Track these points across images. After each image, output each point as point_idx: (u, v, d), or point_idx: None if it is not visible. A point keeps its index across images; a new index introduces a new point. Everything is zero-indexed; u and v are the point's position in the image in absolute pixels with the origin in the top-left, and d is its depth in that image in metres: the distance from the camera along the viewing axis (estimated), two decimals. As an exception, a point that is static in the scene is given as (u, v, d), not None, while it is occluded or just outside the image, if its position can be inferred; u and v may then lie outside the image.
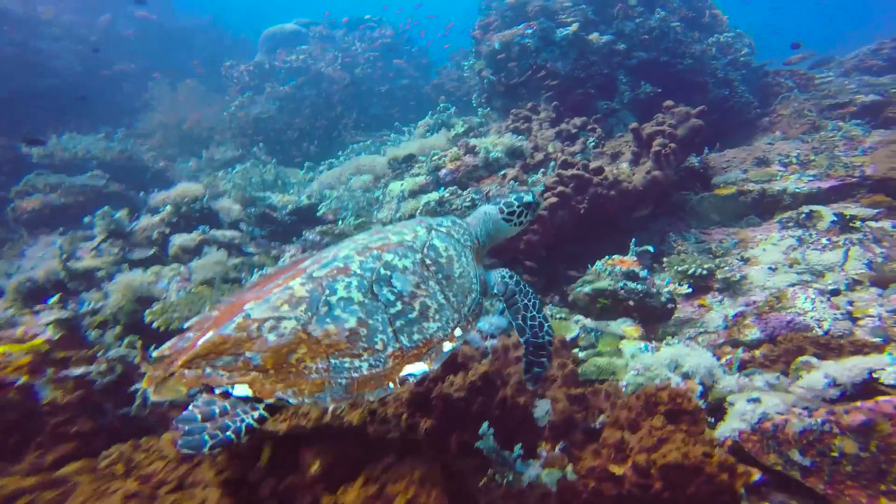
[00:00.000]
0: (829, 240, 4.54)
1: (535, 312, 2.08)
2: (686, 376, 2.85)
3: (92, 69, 14.22)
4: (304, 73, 13.96)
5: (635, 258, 4.64)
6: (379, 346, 1.63)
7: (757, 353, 3.23)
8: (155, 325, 3.33)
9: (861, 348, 2.75)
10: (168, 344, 1.70)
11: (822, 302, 3.45)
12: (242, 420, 1.43)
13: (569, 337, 3.69)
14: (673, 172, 5.84)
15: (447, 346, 1.74)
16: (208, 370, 1.51)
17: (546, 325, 2.08)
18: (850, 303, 3.55)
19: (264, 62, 14.33)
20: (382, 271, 1.78)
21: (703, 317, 4.45)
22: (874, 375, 2.15)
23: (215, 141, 13.38)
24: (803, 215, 5.06)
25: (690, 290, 4.34)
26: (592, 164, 5.74)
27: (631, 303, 4.20)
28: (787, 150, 6.19)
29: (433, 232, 2.02)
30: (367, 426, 2.12)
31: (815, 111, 8.11)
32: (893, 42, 10.97)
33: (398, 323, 1.69)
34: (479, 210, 2.41)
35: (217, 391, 1.49)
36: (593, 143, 6.71)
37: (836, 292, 3.53)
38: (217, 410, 1.44)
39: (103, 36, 15.89)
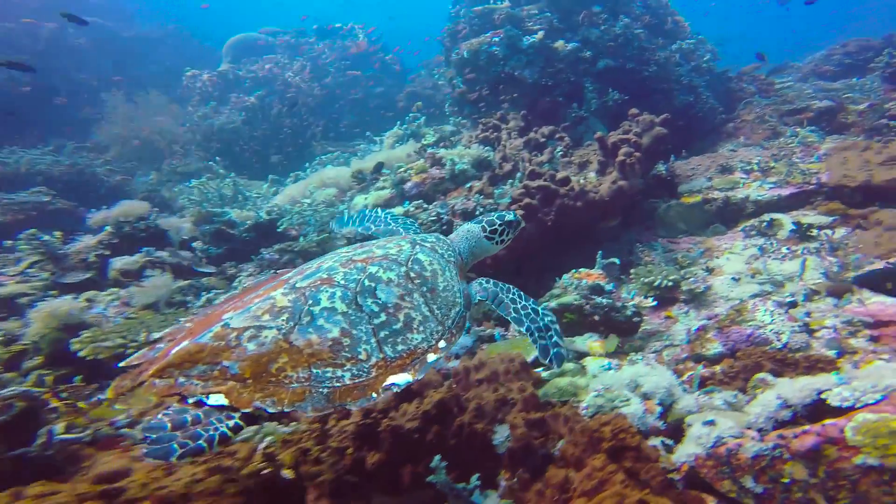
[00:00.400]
0: (788, 249, 4.65)
1: (524, 302, 2.15)
2: (646, 397, 2.83)
3: (39, 81, 13.56)
4: (271, 82, 13.74)
5: (602, 271, 4.66)
6: (362, 357, 1.63)
7: (718, 368, 3.25)
8: (82, 353, 3.13)
9: (815, 364, 2.79)
10: (137, 354, 1.67)
11: (780, 314, 3.51)
12: (216, 429, 1.39)
13: (531, 357, 3.64)
14: (639, 181, 5.92)
15: (431, 357, 1.76)
16: (182, 379, 1.47)
17: (539, 308, 2.16)
18: (808, 314, 3.63)
19: (228, 72, 14.05)
20: (367, 283, 1.80)
21: (669, 329, 4.48)
22: (822, 396, 2.17)
23: (178, 153, 13.02)
24: (765, 224, 5.18)
25: (655, 302, 4.37)
26: (559, 175, 5.76)
27: (596, 318, 4.20)
28: (749, 156, 6.35)
29: (417, 246, 2.08)
30: (298, 466, 2.01)
31: (775, 117, 8.39)
32: (843, 48, 11.50)
33: (382, 334, 1.70)
34: (461, 228, 2.48)
35: (190, 401, 1.44)
36: (561, 153, 6.76)
37: (793, 304, 3.60)
38: (189, 419, 1.40)
39: (49, 45, 15.26)
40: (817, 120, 7.83)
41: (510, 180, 6.33)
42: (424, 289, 1.89)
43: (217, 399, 1.43)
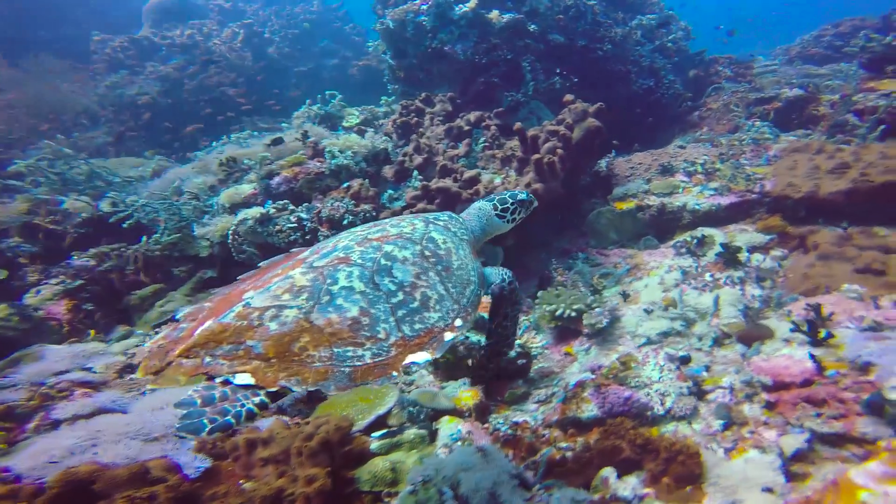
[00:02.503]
0: (712, 276, 4.17)
1: (508, 323, 2.46)
2: (463, 501, 2.32)
3: None
4: (190, 50, 12.72)
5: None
6: (382, 335, 1.70)
7: (579, 442, 2.77)
8: None
9: (676, 455, 2.30)
10: (162, 333, 1.76)
11: (670, 371, 3.02)
12: (243, 405, 1.46)
13: (367, 420, 3.11)
14: (561, 184, 5.35)
15: (448, 336, 1.81)
16: (207, 359, 1.55)
17: (512, 338, 2.59)
18: (707, 367, 3.15)
19: (143, 38, 12.96)
20: (383, 261, 1.87)
21: (564, 370, 4.00)
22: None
23: (83, 125, 12.10)
24: (695, 240, 4.69)
25: (544, 342, 3.86)
26: (467, 174, 5.17)
27: (470, 362, 3.68)
28: (695, 155, 5.83)
29: (431, 225, 2.17)
30: None
31: (741, 106, 7.87)
32: (835, 28, 10.97)
33: (400, 312, 1.77)
34: (472, 206, 2.63)
35: (217, 380, 1.52)
36: (484, 144, 6.14)
37: (685, 360, 3.11)
38: (217, 396, 1.48)
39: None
40: (786, 111, 7.33)
41: (419, 177, 5.72)
42: (439, 267, 1.97)
43: (243, 378, 1.51)
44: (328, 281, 1.76)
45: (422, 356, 1.72)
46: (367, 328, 1.69)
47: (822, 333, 2.98)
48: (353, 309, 1.71)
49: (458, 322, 1.88)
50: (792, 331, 3.09)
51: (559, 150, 5.33)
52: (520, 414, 3.61)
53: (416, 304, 1.81)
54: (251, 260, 4.30)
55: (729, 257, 4.11)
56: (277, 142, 5.65)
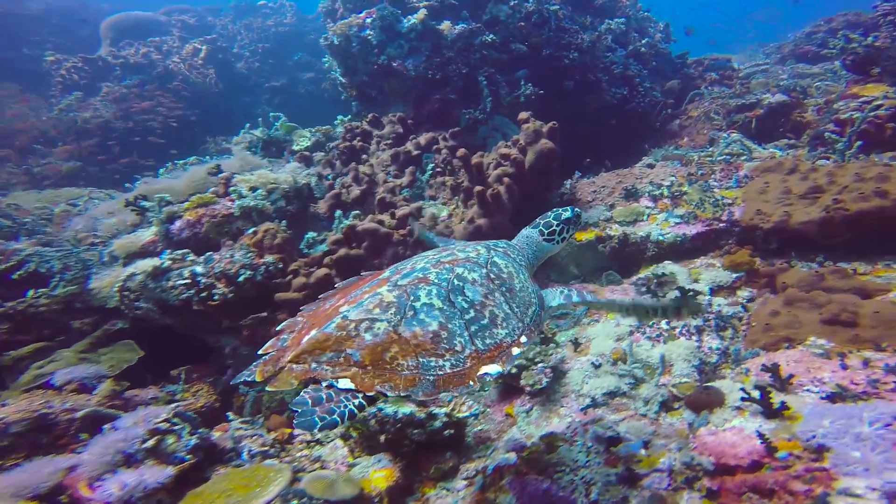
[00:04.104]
0: (668, 322, 3.85)
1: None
2: None
3: None
4: (148, 69, 12.59)
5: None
6: (458, 348, 1.94)
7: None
8: None
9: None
10: (269, 343, 2.07)
11: (598, 452, 2.69)
12: (346, 406, 1.71)
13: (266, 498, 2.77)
14: (511, 215, 5.05)
15: (515, 351, 2.05)
16: (314, 365, 1.82)
17: None
18: (646, 443, 2.82)
19: (98, 58, 12.85)
20: (456, 282, 2.12)
21: (501, 437, 3.67)
22: None
23: (38, 151, 11.98)
24: (655, 280, 4.38)
25: (472, 412, 3.53)
26: (400, 211, 4.88)
27: (382, 438, 3.35)
28: (662, 176, 5.53)
29: (492, 251, 2.42)
30: None
31: (721, 114, 7.60)
32: (827, 24, 10.74)
33: (473, 328, 2.00)
34: (521, 234, 2.83)
35: (324, 384, 1.77)
36: (429, 173, 5.86)
37: (614, 441, 2.77)
38: (324, 396, 1.73)
39: None
40: (769, 119, 7.05)
41: (355, 212, 5.43)
42: (504, 288, 2.22)
43: (345, 383, 1.76)
44: (411, 298, 2.02)
45: (493, 368, 1.95)
46: (445, 341, 1.93)
47: (777, 403, 2.65)
48: (434, 323, 1.96)
49: (524, 339, 2.12)
50: (743, 399, 2.75)
51: (506, 179, 5.05)
52: (444, 495, 3.29)
53: (485, 320, 2.06)
54: (149, 316, 4.01)
55: (686, 301, 3.78)
56: (137, 201, 5.20)
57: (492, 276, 2.24)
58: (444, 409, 3.51)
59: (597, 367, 3.75)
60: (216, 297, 3.72)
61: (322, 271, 4.02)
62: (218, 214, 4.31)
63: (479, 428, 3.82)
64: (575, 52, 7.78)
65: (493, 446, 3.56)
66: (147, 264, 3.88)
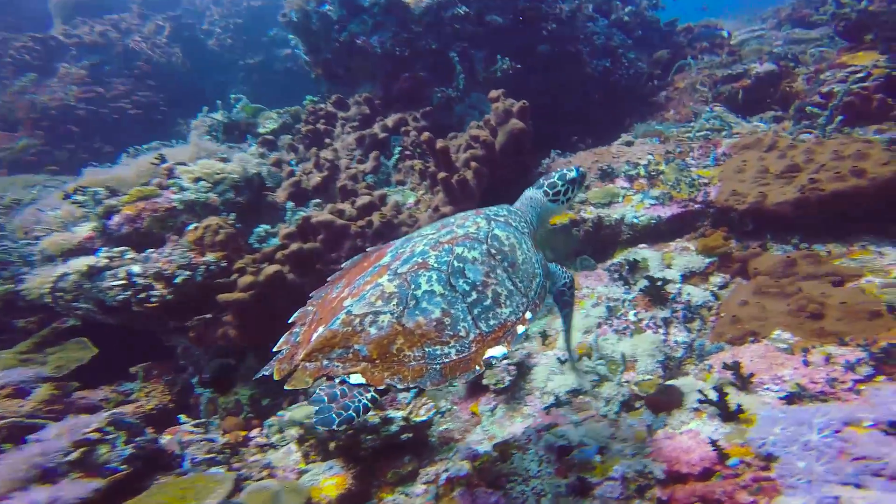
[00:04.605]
0: (636, 314, 3.76)
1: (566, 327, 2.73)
2: None
3: None
4: (107, 49, 12.17)
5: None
6: (462, 333, 1.99)
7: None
8: None
9: None
10: (282, 339, 2.16)
11: (549, 462, 2.62)
12: (359, 401, 1.80)
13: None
14: (475, 203, 4.91)
15: (520, 329, 2.11)
16: (325, 362, 1.90)
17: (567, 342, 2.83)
18: (601, 449, 2.76)
19: (50, 37, 12.39)
20: (456, 264, 2.14)
21: (464, 437, 3.62)
22: None
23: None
24: (627, 266, 4.28)
25: (427, 416, 3.46)
26: (360, 200, 4.73)
27: (332, 445, 3.29)
28: (639, 155, 5.37)
29: (493, 222, 2.37)
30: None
31: (708, 84, 7.39)
32: (824, -14, 10.38)
33: (476, 311, 2.05)
34: (525, 195, 2.80)
35: (336, 381, 1.86)
36: (396, 157, 5.69)
37: (565, 450, 2.70)
38: (338, 393, 1.83)
39: None
40: (756, 89, 6.85)
41: (315, 200, 5.29)
42: (506, 263, 2.21)
43: (356, 378, 1.85)
44: (412, 286, 2.03)
45: (499, 350, 2.00)
46: (449, 327, 1.97)
47: (733, 406, 2.58)
48: (437, 311, 1.99)
49: (528, 315, 2.16)
50: (700, 401, 2.69)
51: (473, 164, 4.89)
52: (402, 501, 3.24)
53: (488, 301, 2.08)
54: (91, 316, 3.89)
55: (654, 293, 3.70)
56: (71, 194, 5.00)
57: (493, 251, 2.23)
58: (401, 413, 3.44)
59: (562, 362, 3.68)
60: (153, 300, 3.61)
61: (272, 268, 3.88)
62: (160, 208, 4.14)
63: (445, 427, 3.76)
64: (553, 23, 7.51)
65: (456, 448, 3.51)
66: (81, 263, 3.73)
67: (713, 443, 2.41)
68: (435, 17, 6.77)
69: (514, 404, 3.64)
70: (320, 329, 1.99)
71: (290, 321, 2.27)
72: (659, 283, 3.71)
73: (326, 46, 7.14)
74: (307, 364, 1.90)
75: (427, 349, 1.92)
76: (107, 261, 3.78)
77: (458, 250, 2.18)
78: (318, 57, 7.42)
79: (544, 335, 4.08)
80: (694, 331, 3.46)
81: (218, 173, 4.31)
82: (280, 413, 3.81)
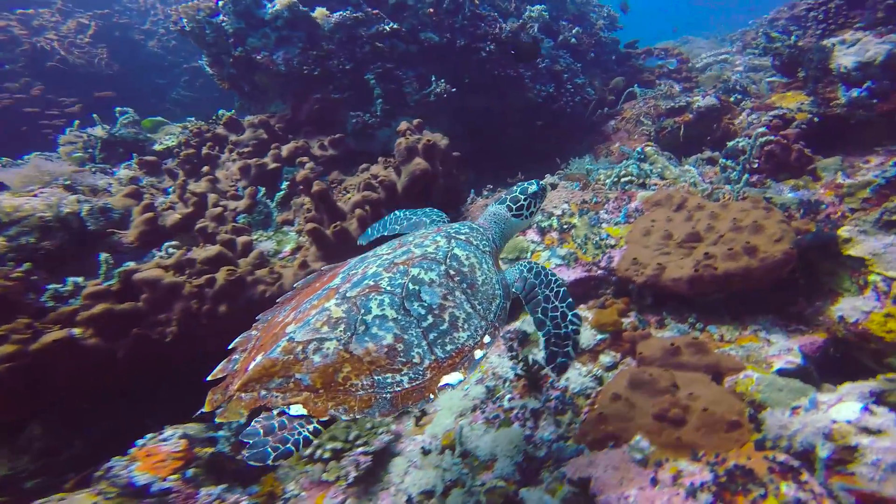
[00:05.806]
0: (510, 400, 3.65)
1: (556, 303, 2.55)
2: None
3: None
4: (9, 46, 11.77)
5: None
6: (416, 360, 2.04)
7: None
8: None
9: None
10: (220, 367, 2.17)
11: None
12: (300, 433, 1.80)
13: None
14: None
15: (478, 354, 2.17)
16: (263, 392, 1.91)
17: (570, 314, 2.53)
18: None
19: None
20: (411, 286, 2.20)
21: (304, 542, 3.44)
22: None
23: None
24: (517, 337, 4.18)
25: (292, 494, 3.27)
26: (207, 253, 4.45)
27: None
28: (556, 203, 5.31)
29: (453, 240, 2.51)
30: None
31: (651, 117, 7.45)
32: (790, 10, 10.69)
33: (431, 336, 2.11)
34: (488, 211, 2.96)
35: (275, 412, 1.86)
36: (282, 192, 5.50)
37: None
38: (276, 425, 1.81)
39: None
40: (698, 124, 6.92)
41: (172, 242, 5.06)
42: (464, 285, 2.32)
43: (297, 409, 1.85)
44: (362, 311, 2.07)
45: (455, 377, 2.04)
46: (402, 354, 2.01)
47: (563, 538, 2.46)
48: (388, 336, 2.03)
49: (487, 339, 2.22)
50: (532, 528, 2.57)
51: (360, 211, 4.76)
52: None
53: (445, 325, 2.13)
54: None
55: (530, 378, 3.60)
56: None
57: (451, 272, 2.29)
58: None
59: (426, 453, 3.54)
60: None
61: (55, 335, 3.51)
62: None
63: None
64: (492, 43, 7.48)
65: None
66: None
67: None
68: (348, 34, 6.67)
69: (365, 500, 3.49)
70: (258, 357, 2.00)
71: (229, 347, 2.28)
72: (535, 368, 3.61)
73: (228, 60, 6.97)
74: (242, 395, 1.90)
75: (377, 377, 1.95)
76: None
77: (415, 272, 2.24)
78: (222, 71, 7.24)
79: (422, 413, 3.94)
80: (563, 425, 3.36)
81: (15, 211, 4.02)
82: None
